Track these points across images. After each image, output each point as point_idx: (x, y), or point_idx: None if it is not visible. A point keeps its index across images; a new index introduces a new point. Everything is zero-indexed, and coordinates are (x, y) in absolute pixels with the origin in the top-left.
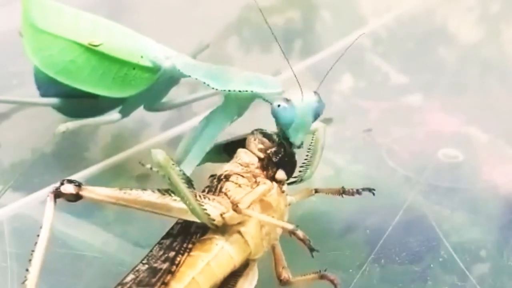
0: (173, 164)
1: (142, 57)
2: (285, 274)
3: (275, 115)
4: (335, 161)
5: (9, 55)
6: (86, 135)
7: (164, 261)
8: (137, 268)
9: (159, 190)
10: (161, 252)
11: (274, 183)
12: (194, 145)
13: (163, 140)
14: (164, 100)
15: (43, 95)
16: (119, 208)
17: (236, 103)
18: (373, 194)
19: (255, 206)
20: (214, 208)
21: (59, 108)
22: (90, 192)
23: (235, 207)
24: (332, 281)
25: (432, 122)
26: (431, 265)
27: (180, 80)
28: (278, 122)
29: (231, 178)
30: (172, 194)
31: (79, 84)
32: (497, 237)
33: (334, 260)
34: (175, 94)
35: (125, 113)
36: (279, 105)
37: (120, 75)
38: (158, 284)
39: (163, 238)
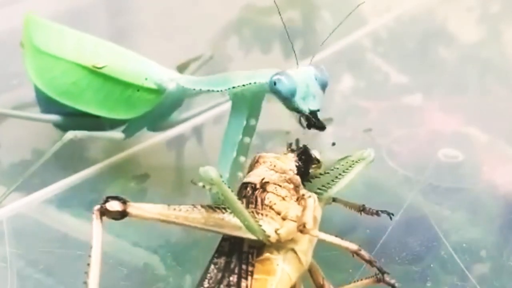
0: (223, 181)
1: (146, 79)
2: (327, 284)
3: (274, 91)
4: None
5: (9, 55)
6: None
7: (229, 286)
8: None
9: (209, 207)
10: (219, 275)
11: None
12: (220, 156)
13: (163, 140)
14: (166, 121)
15: (44, 112)
16: None
17: (244, 101)
18: (391, 218)
19: None
20: (269, 224)
21: (60, 125)
22: (138, 209)
23: (302, 227)
24: (393, 285)
25: (432, 122)
26: (431, 265)
27: (183, 102)
28: (281, 98)
29: (269, 188)
30: (224, 211)
31: (82, 106)
32: (497, 237)
33: (333, 260)
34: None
35: (128, 134)
36: (274, 82)
37: (124, 97)
38: None
39: (215, 257)
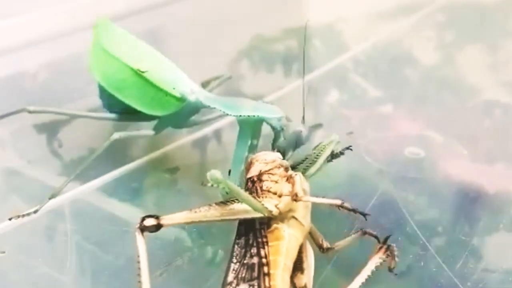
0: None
1: (174, 88)
2: (326, 243)
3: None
4: None
5: (71, 74)
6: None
7: (252, 256)
8: (232, 268)
9: (222, 202)
10: (243, 250)
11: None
12: (232, 168)
13: (190, 140)
14: (187, 121)
15: (104, 106)
16: (156, 194)
17: (248, 126)
18: (366, 219)
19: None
20: (269, 203)
21: (112, 120)
22: (168, 219)
23: (295, 197)
24: (375, 237)
25: (400, 127)
26: (399, 239)
27: (200, 111)
28: (273, 129)
29: (264, 178)
30: (233, 202)
31: (125, 98)
32: (451, 217)
33: (323, 232)
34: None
35: (157, 130)
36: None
37: (156, 98)
38: (261, 275)
39: (236, 239)
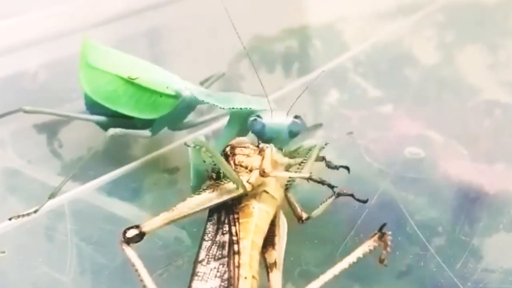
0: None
1: (167, 87)
2: (304, 214)
3: (249, 127)
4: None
5: (70, 74)
6: (130, 138)
7: (223, 234)
8: (204, 245)
9: (194, 195)
10: (215, 227)
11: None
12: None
13: (190, 140)
14: (184, 122)
15: (91, 114)
16: (156, 194)
17: (238, 119)
18: (334, 191)
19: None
20: (242, 177)
21: (102, 125)
22: (148, 225)
23: (262, 172)
24: (351, 195)
25: (400, 126)
26: (399, 238)
27: (196, 107)
28: (252, 132)
29: (237, 151)
30: (205, 191)
31: (119, 108)
32: (450, 216)
33: (322, 235)
34: (191, 117)
35: (154, 132)
36: (253, 119)
37: (150, 101)
38: (231, 253)
39: (209, 215)
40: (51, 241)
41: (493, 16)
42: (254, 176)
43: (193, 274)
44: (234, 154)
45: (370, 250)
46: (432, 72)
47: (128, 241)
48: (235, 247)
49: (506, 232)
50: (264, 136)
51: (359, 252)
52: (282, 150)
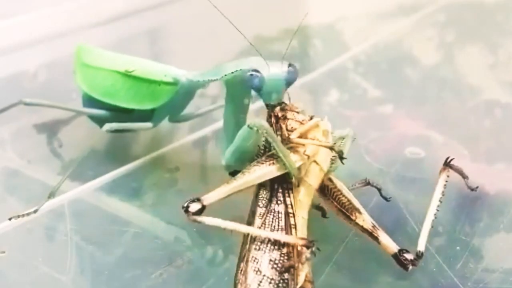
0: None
1: (165, 75)
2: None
3: (246, 82)
4: None
5: (70, 74)
6: (131, 136)
7: (278, 204)
8: (258, 212)
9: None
10: (269, 194)
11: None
12: (223, 131)
13: (190, 140)
14: (184, 113)
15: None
16: (156, 194)
17: (235, 85)
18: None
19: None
20: (297, 153)
21: (101, 121)
22: (209, 198)
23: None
24: (378, 189)
25: (400, 126)
26: (399, 238)
27: (194, 95)
28: (252, 88)
29: (289, 115)
30: (264, 163)
31: (118, 102)
32: (451, 216)
33: (323, 236)
34: (191, 109)
35: (154, 123)
36: (250, 74)
37: (149, 91)
38: (288, 226)
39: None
40: (51, 241)
41: (493, 16)
42: (310, 149)
43: (251, 241)
44: (286, 118)
45: (445, 184)
46: (432, 72)
47: (195, 214)
48: (291, 220)
49: (506, 232)
50: (263, 89)
51: (438, 193)
52: (282, 102)
